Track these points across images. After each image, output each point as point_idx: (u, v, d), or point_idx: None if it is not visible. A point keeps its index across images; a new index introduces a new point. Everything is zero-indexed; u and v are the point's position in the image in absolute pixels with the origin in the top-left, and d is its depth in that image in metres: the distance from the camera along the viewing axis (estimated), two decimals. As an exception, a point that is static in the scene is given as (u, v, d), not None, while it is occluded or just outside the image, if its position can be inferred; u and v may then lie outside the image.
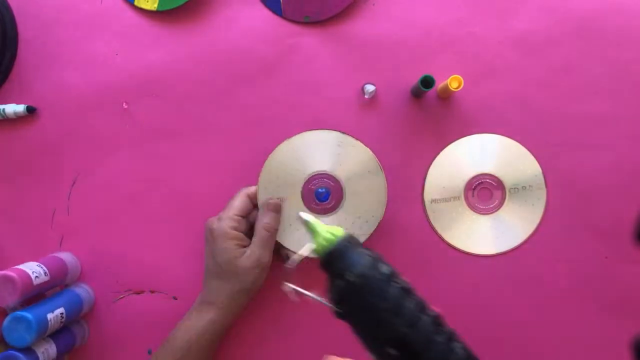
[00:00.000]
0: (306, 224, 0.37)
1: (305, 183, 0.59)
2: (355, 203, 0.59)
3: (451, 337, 0.34)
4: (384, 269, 0.35)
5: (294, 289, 0.36)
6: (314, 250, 0.36)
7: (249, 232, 0.58)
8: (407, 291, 0.35)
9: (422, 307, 0.34)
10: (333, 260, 0.36)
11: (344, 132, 0.59)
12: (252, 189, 0.59)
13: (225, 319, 0.57)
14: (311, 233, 0.37)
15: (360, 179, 0.59)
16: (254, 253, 0.56)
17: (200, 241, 0.60)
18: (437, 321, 0.34)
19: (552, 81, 0.62)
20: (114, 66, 0.64)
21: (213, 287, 0.57)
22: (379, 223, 0.59)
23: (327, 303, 0.36)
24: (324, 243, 0.36)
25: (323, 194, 0.59)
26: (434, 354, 0.33)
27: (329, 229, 0.36)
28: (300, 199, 0.59)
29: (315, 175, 0.59)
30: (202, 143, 0.63)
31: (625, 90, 0.62)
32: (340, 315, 0.36)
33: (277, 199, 0.58)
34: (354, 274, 0.34)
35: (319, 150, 0.59)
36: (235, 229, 0.56)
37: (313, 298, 0.36)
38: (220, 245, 0.56)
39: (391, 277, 0.35)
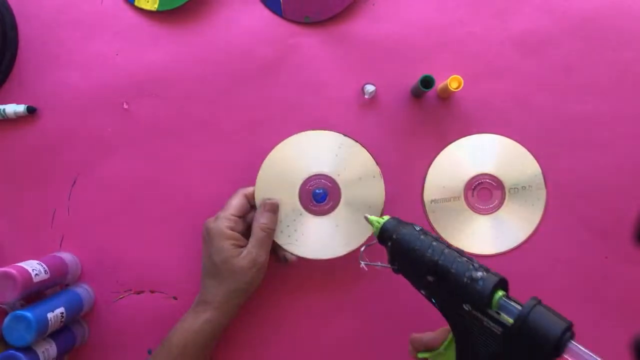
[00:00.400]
0: (366, 218, 0.52)
1: (302, 184, 0.59)
2: (352, 205, 0.59)
3: (471, 258, 0.45)
4: (417, 228, 0.49)
5: (366, 263, 0.52)
6: (374, 232, 0.51)
7: (247, 232, 0.58)
8: (435, 238, 0.48)
9: (447, 245, 0.47)
10: (383, 233, 0.50)
11: (343, 134, 0.59)
12: (249, 189, 0.59)
13: (221, 318, 0.57)
14: (370, 223, 0.52)
15: (358, 181, 0.59)
16: (251, 253, 0.56)
17: (200, 241, 0.60)
18: (459, 251, 0.46)
19: (552, 81, 0.62)
20: (114, 66, 0.64)
21: (209, 287, 0.57)
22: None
23: (388, 265, 0.50)
24: (377, 225, 0.51)
25: (320, 194, 0.59)
26: (457, 269, 0.44)
27: (380, 218, 0.51)
28: (297, 200, 0.59)
29: (313, 176, 0.59)
30: (202, 143, 0.63)
31: (625, 90, 0.62)
32: (397, 271, 0.49)
33: (274, 199, 0.58)
34: (396, 233, 0.49)
35: (318, 152, 0.59)
36: (232, 228, 0.56)
37: (380, 265, 0.51)
38: (216, 244, 0.56)
39: (422, 231, 0.48)
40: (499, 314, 0.42)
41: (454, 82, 0.57)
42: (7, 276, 0.54)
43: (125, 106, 0.64)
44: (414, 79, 0.59)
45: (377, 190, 0.58)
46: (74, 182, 0.64)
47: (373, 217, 0.52)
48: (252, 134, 0.63)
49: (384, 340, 0.62)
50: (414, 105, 0.63)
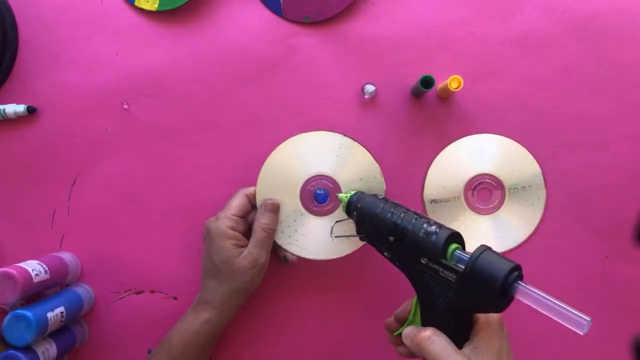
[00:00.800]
0: (337, 197, 0.57)
1: (303, 184, 0.59)
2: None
3: (428, 218, 0.48)
4: (380, 196, 0.53)
5: (336, 236, 0.57)
6: (343, 207, 0.55)
7: (248, 232, 0.58)
8: (395, 204, 0.51)
9: (407, 209, 0.50)
10: (350, 205, 0.54)
11: (343, 134, 0.59)
12: (250, 189, 0.59)
13: (221, 318, 0.57)
14: (340, 200, 0.56)
15: (359, 182, 0.59)
16: (252, 253, 0.56)
17: (200, 241, 0.60)
18: (417, 214, 0.49)
19: (552, 81, 0.62)
20: (114, 66, 0.64)
21: (210, 287, 0.57)
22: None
23: (355, 235, 0.54)
24: (345, 199, 0.55)
25: (321, 195, 0.59)
26: (414, 226, 0.47)
27: (347, 193, 0.55)
28: (298, 200, 0.59)
29: (314, 176, 0.59)
30: (202, 143, 0.63)
31: (625, 90, 0.62)
32: (363, 238, 0.53)
33: (275, 199, 0.58)
34: (360, 202, 0.53)
35: (319, 152, 0.59)
36: (233, 228, 0.56)
37: (349, 236, 0.57)
38: (217, 244, 0.56)
39: (384, 199, 0.52)
40: (456, 265, 0.44)
41: (454, 82, 0.57)
42: (7, 276, 0.54)
43: (125, 106, 0.64)
44: (414, 79, 0.59)
45: (377, 190, 0.58)
46: (74, 182, 0.64)
47: (342, 194, 0.56)
48: (252, 134, 0.63)
49: (384, 340, 0.62)
50: (414, 105, 0.63)
